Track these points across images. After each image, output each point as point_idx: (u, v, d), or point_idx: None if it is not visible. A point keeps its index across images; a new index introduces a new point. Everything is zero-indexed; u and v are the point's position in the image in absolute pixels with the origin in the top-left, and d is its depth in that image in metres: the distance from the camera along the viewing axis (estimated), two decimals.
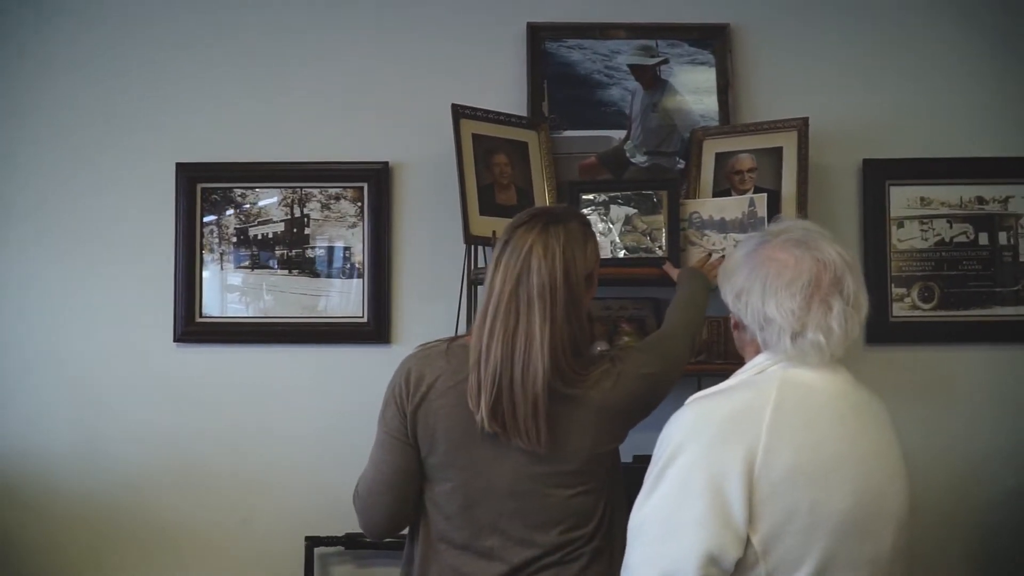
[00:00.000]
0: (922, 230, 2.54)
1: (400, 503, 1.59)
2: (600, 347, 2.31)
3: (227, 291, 2.57)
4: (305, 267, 2.57)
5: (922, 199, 2.54)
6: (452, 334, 2.38)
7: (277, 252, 2.57)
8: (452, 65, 2.57)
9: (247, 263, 2.57)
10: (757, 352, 1.38)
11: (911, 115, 2.55)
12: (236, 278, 2.57)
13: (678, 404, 1.37)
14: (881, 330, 2.51)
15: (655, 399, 1.64)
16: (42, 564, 2.52)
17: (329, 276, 2.56)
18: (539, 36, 2.55)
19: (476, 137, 2.35)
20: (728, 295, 1.40)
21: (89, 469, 2.53)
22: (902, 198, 2.54)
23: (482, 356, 1.50)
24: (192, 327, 2.55)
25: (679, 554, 1.21)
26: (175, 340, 2.55)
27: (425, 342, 1.67)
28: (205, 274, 2.57)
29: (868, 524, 1.26)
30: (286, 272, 2.57)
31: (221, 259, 2.57)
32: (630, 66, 2.56)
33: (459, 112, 2.33)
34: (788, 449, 1.23)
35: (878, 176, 2.54)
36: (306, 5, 2.60)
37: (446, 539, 1.57)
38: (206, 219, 2.57)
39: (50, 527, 2.52)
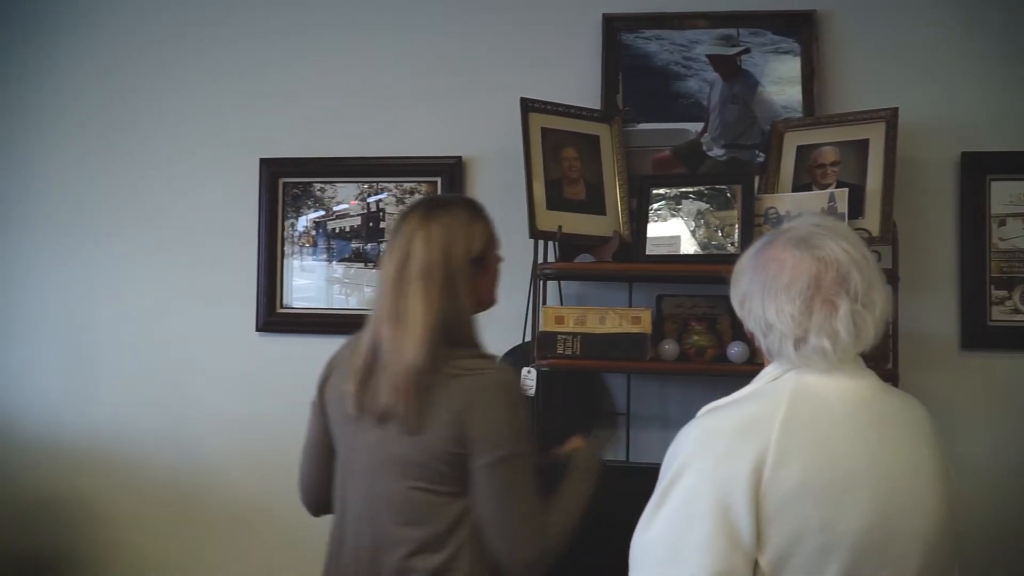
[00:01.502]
0: None
1: (315, 474, 1.67)
2: (667, 346, 2.25)
3: (306, 283, 2.64)
4: (380, 260, 2.61)
5: None
6: (521, 328, 2.39)
7: (353, 245, 2.62)
8: (526, 58, 2.56)
9: (325, 256, 2.63)
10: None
11: (1014, 105, 2.37)
12: (315, 270, 2.64)
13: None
14: (978, 335, 2.35)
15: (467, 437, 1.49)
16: (129, 536, 2.68)
17: None
18: (614, 27, 2.50)
19: (545, 131, 2.32)
20: (734, 301, 1.31)
21: (175, 451, 2.66)
22: (1004, 194, 2.36)
23: (364, 338, 1.55)
24: (273, 317, 2.63)
25: None
26: (257, 330, 2.65)
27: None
28: (286, 266, 2.65)
29: (889, 545, 1.16)
30: (362, 265, 2.62)
31: (301, 252, 2.64)
32: (709, 56, 2.48)
33: (528, 105, 2.31)
34: (796, 465, 1.14)
35: (978, 170, 2.37)
36: (381, 2, 2.64)
37: (335, 513, 1.62)
38: (287, 212, 2.65)
39: (138, 502, 2.67)
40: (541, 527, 1.51)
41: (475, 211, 1.62)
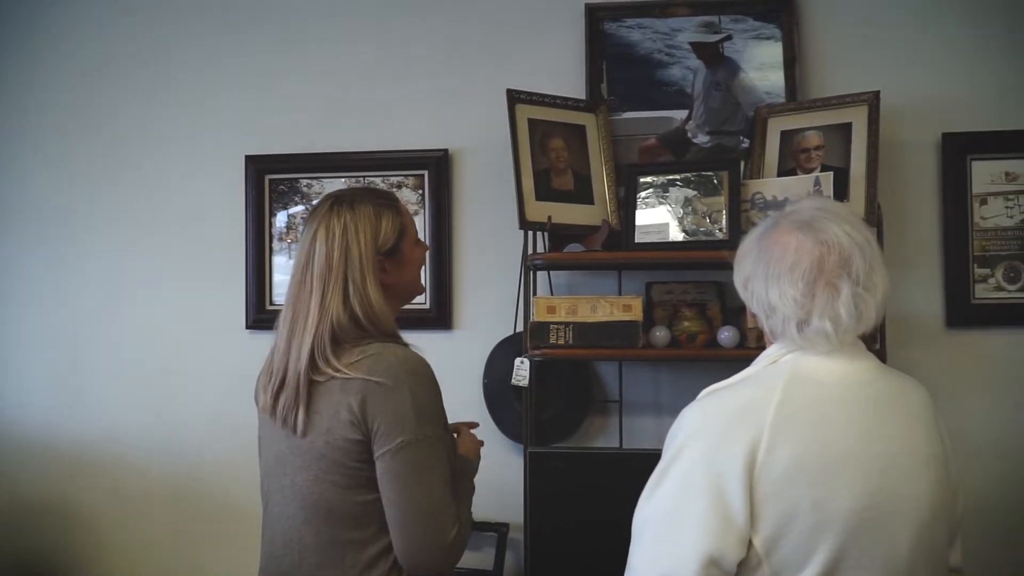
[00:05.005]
0: (1007, 207, 2.39)
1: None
2: (659, 333, 2.27)
3: None
4: None
5: (1007, 174, 2.39)
6: (512, 319, 2.40)
7: None
8: (510, 50, 2.56)
9: None
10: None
11: (994, 85, 2.39)
12: None
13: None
14: (962, 313, 2.39)
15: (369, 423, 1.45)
16: (122, 539, 2.67)
17: None
18: (597, 17, 2.51)
19: (532, 122, 2.33)
20: (737, 282, 1.34)
21: (166, 451, 2.66)
22: (985, 173, 2.40)
23: (275, 342, 1.55)
24: (263, 314, 2.62)
25: (680, 555, 1.17)
26: (247, 327, 2.64)
27: None
28: (274, 263, 2.64)
29: (881, 524, 1.18)
30: None
31: (288, 248, 2.64)
32: (692, 44, 2.49)
33: (514, 97, 2.31)
34: (790, 447, 1.17)
35: (959, 151, 2.40)
36: None
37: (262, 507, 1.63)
38: (274, 209, 2.65)
39: (130, 504, 2.67)
40: (441, 522, 1.44)
41: (382, 203, 1.57)
